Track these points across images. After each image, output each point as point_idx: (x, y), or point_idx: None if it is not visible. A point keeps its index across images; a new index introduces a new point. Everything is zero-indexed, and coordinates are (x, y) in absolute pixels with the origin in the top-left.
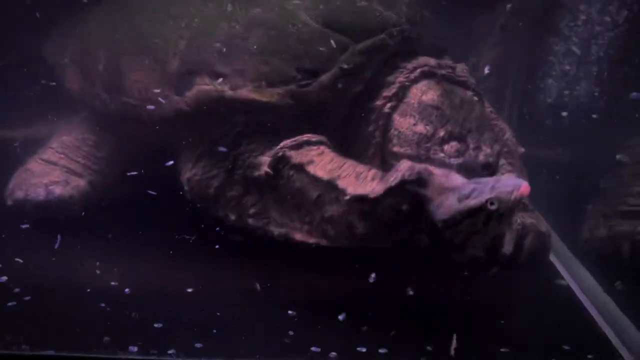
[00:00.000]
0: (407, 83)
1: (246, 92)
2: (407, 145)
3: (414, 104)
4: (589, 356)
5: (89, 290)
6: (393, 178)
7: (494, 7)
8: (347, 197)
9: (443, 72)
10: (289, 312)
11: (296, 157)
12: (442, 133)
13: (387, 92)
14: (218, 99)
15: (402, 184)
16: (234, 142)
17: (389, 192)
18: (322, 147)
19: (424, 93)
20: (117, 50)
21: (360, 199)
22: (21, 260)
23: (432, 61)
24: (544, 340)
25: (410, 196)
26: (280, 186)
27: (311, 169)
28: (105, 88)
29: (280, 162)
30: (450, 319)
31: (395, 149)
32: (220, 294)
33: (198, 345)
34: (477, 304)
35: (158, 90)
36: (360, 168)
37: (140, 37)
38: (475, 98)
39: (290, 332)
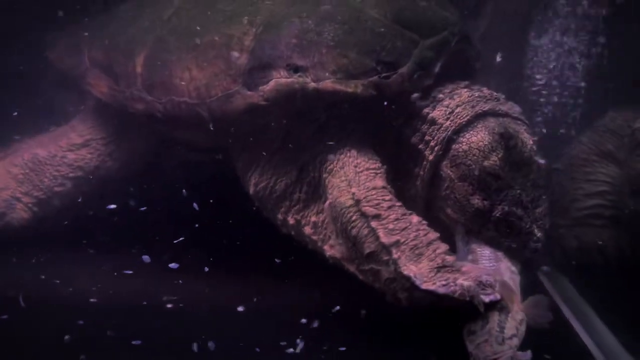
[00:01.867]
0: (457, 125)
1: (330, 84)
2: (461, 213)
3: (473, 168)
4: None
5: (67, 307)
6: (444, 287)
7: (475, 17)
8: (397, 272)
9: (499, 108)
10: (273, 331)
11: (366, 204)
12: (498, 213)
13: (432, 135)
14: (300, 91)
15: (447, 298)
16: (312, 138)
17: (432, 294)
18: (392, 197)
19: (484, 156)
20: (159, 49)
21: (408, 280)
22: None
23: (486, 91)
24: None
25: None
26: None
27: (374, 224)
28: (147, 89)
29: (354, 205)
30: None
31: (449, 211)
32: (200, 310)
33: None
34: None
35: (225, 86)
36: (420, 240)
37: (188, 35)
38: (532, 144)
39: (272, 352)
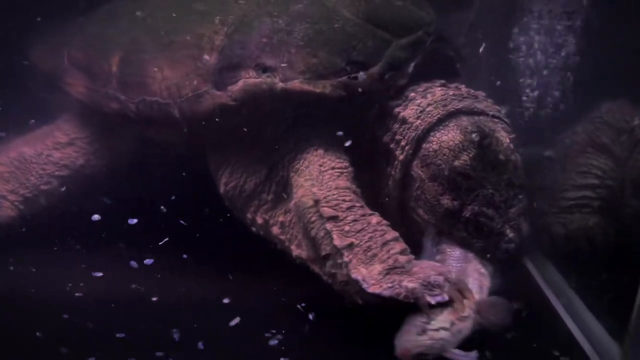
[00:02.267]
0: (428, 124)
1: (298, 84)
2: (431, 214)
3: (443, 168)
4: (555, 353)
5: (52, 302)
6: (389, 289)
7: (465, 6)
8: (348, 276)
9: (475, 106)
10: (254, 324)
11: (325, 205)
12: (468, 213)
13: (402, 135)
14: (268, 92)
15: (393, 300)
16: (282, 138)
17: (378, 296)
18: (352, 197)
19: (455, 155)
20: (134, 49)
21: (357, 284)
22: None
23: (463, 89)
24: (511, 335)
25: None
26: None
27: (330, 226)
28: (121, 88)
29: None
30: None
31: (420, 211)
32: (185, 303)
33: (159, 353)
34: None
35: (195, 86)
36: (375, 241)
37: (162, 34)
38: (509, 143)
39: (254, 344)
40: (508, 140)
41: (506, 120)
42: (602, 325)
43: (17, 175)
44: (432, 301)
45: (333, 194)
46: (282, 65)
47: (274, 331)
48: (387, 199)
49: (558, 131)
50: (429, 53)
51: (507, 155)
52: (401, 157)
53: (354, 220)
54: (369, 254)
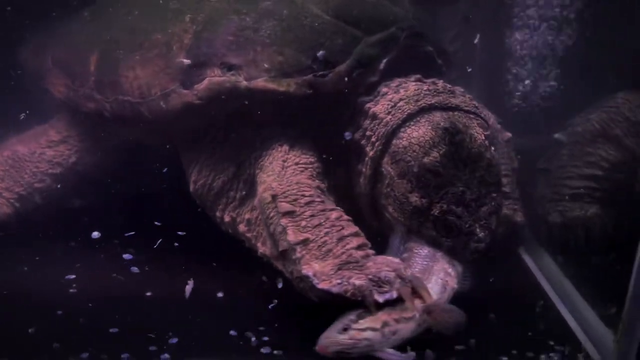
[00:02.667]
0: (399, 120)
1: (262, 82)
2: (400, 212)
3: (412, 164)
4: (550, 342)
5: (46, 297)
6: (338, 285)
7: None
8: (300, 271)
9: (450, 102)
10: (248, 318)
11: (283, 200)
12: (436, 211)
13: (373, 131)
14: (232, 90)
15: (341, 297)
16: (250, 136)
17: (327, 293)
18: (313, 192)
19: (425, 152)
20: (110, 48)
21: (308, 280)
22: None
23: (440, 84)
24: (506, 324)
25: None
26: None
27: (285, 221)
28: (97, 88)
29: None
30: None
31: (390, 209)
32: (178, 298)
33: (152, 348)
34: None
35: (163, 85)
36: (331, 236)
37: (137, 33)
38: (484, 139)
39: (247, 338)
40: (483, 137)
41: (483, 116)
42: (596, 314)
43: (12, 174)
44: (380, 299)
45: (292, 189)
46: (247, 63)
47: (263, 327)
48: (359, 196)
49: (560, 119)
50: (404, 49)
51: (480, 152)
52: (371, 153)
53: (312, 216)
54: (324, 249)
